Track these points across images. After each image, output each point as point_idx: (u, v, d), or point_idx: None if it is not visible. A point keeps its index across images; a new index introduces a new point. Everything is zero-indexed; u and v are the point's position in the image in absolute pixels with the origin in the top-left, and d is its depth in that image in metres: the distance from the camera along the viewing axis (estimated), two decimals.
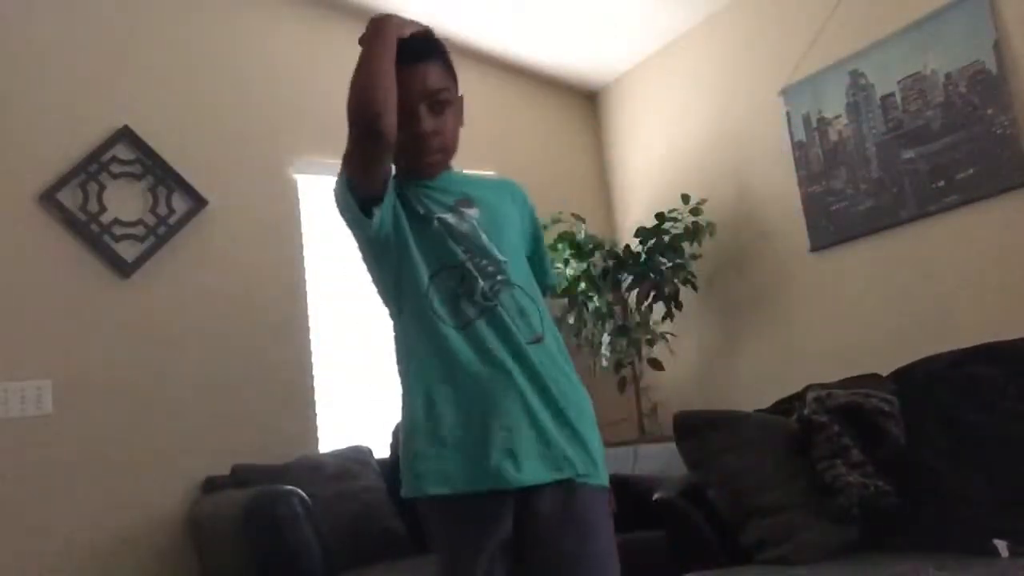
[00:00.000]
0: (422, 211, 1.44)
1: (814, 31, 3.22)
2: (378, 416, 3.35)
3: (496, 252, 1.44)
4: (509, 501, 1.35)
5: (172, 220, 3.16)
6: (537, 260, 1.59)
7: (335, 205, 1.49)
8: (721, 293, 3.67)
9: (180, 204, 3.20)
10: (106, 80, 3.16)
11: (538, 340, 1.42)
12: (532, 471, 1.34)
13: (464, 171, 1.58)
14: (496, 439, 1.33)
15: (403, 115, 1.37)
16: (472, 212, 1.46)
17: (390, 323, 1.54)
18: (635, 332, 3.61)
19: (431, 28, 1.51)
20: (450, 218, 1.44)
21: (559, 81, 4.24)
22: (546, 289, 1.61)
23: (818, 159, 3.22)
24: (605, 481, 1.42)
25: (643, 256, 3.58)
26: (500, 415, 1.35)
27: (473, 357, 1.38)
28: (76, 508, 2.80)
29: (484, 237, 1.44)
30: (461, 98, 1.53)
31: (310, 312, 3.39)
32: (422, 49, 1.45)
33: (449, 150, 1.48)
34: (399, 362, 1.51)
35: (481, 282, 1.40)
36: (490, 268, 1.43)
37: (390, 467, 3.09)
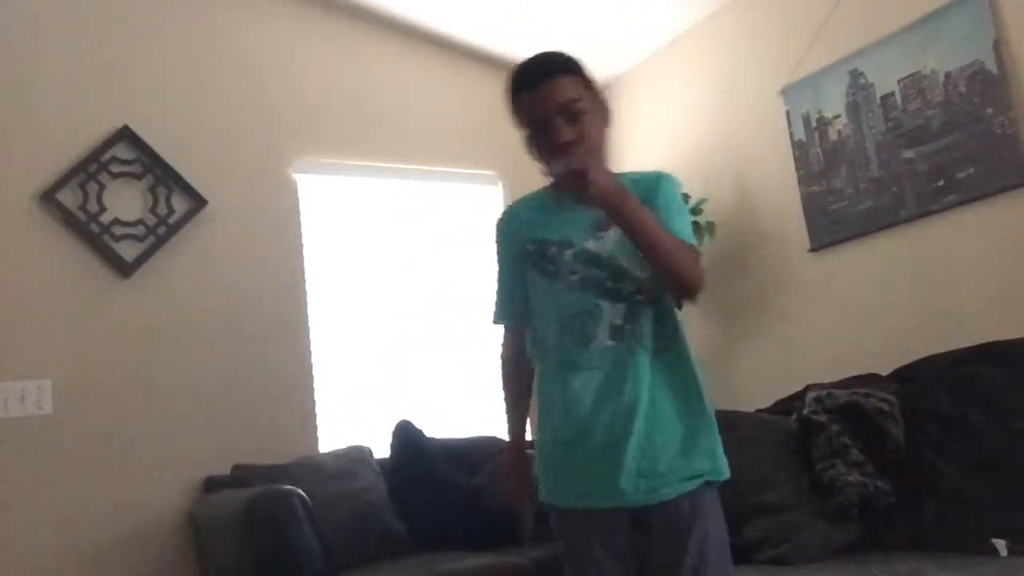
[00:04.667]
0: (551, 268, 1.54)
1: (814, 31, 3.22)
2: (378, 416, 3.36)
3: (633, 271, 1.51)
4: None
5: (172, 220, 3.16)
6: (667, 223, 1.52)
7: None
8: (721, 293, 3.67)
9: (180, 204, 3.19)
10: (106, 80, 3.16)
11: (665, 350, 1.54)
12: None
13: (620, 173, 1.55)
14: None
15: (543, 131, 1.49)
16: (612, 233, 1.50)
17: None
18: None
19: (557, 54, 1.56)
20: (592, 245, 1.51)
21: None
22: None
23: (818, 159, 3.22)
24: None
25: None
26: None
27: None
28: (76, 508, 2.80)
29: (624, 260, 1.50)
30: (604, 105, 1.58)
31: (310, 312, 3.39)
32: (548, 67, 1.52)
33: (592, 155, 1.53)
34: None
35: (607, 315, 1.49)
36: (626, 291, 1.51)
37: (390, 467, 3.09)
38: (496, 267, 1.68)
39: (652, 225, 1.43)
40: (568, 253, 1.52)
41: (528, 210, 1.64)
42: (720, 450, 1.53)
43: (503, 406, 1.72)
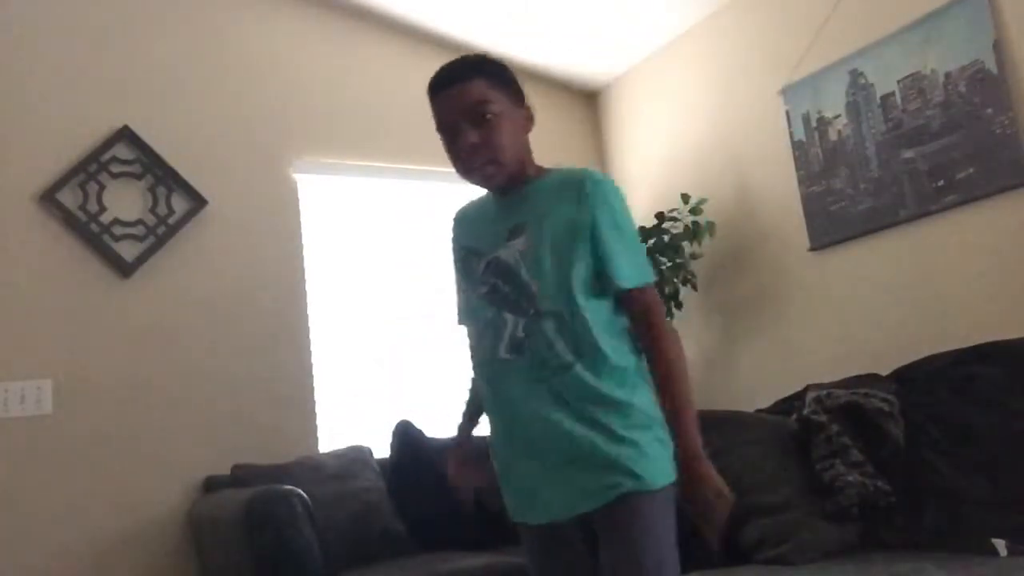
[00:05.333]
0: (470, 277, 1.55)
1: (814, 31, 3.22)
2: (378, 416, 3.36)
3: (531, 285, 1.45)
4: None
5: (172, 220, 3.16)
6: (604, 261, 1.45)
7: None
8: (721, 293, 3.67)
9: (180, 204, 3.20)
10: (106, 80, 3.16)
11: (564, 368, 1.42)
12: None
13: (548, 173, 1.55)
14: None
15: (451, 135, 1.49)
16: (518, 242, 1.47)
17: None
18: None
19: (470, 57, 1.55)
20: (502, 253, 1.49)
21: (559, 81, 4.24)
22: (618, 290, 1.46)
23: (818, 159, 3.22)
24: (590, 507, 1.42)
25: None
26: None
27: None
28: (76, 508, 2.80)
29: (524, 271, 1.45)
30: (526, 110, 1.56)
31: (310, 312, 3.39)
32: (456, 71, 1.50)
33: (503, 162, 1.49)
34: None
35: (509, 328, 1.46)
36: (524, 303, 1.45)
37: (390, 467, 3.09)
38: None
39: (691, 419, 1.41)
40: (482, 263, 1.51)
41: (471, 213, 1.64)
42: (650, 461, 1.40)
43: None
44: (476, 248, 1.54)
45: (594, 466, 1.40)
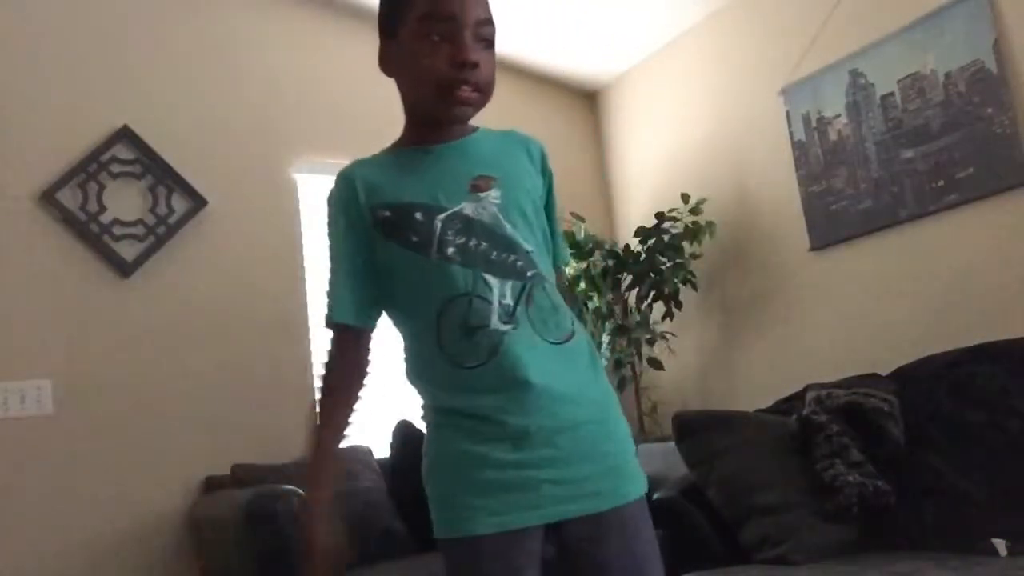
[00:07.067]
0: (416, 239, 1.24)
1: (814, 31, 3.22)
2: (378, 416, 3.35)
3: (523, 243, 1.25)
4: None
5: (172, 220, 3.16)
6: (552, 234, 1.35)
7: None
8: (721, 293, 3.67)
9: (180, 204, 3.20)
10: (106, 80, 3.16)
11: (570, 338, 1.27)
12: None
13: (481, 128, 1.37)
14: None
15: (441, 41, 1.22)
16: (491, 195, 1.25)
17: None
18: (635, 332, 3.61)
19: None
20: (468, 208, 1.24)
21: (559, 81, 4.24)
22: (559, 268, 1.38)
23: (818, 159, 3.22)
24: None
25: (643, 256, 3.59)
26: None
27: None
28: (76, 508, 2.80)
29: (508, 227, 1.25)
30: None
31: (310, 312, 3.39)
32: None
33: (484, 94, 1.26)
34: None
35: (496, 293, 1.22)
36: (519, 263, 1.24)
37: (390, 467, 3.09)
38: (332, 250, 1.33)
39: None
40: (439, 219, 1.23)
41: (376, 169, 1.34)
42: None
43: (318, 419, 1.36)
44: (419, 202, 1.25)
45: (615, 457, 1.26)
